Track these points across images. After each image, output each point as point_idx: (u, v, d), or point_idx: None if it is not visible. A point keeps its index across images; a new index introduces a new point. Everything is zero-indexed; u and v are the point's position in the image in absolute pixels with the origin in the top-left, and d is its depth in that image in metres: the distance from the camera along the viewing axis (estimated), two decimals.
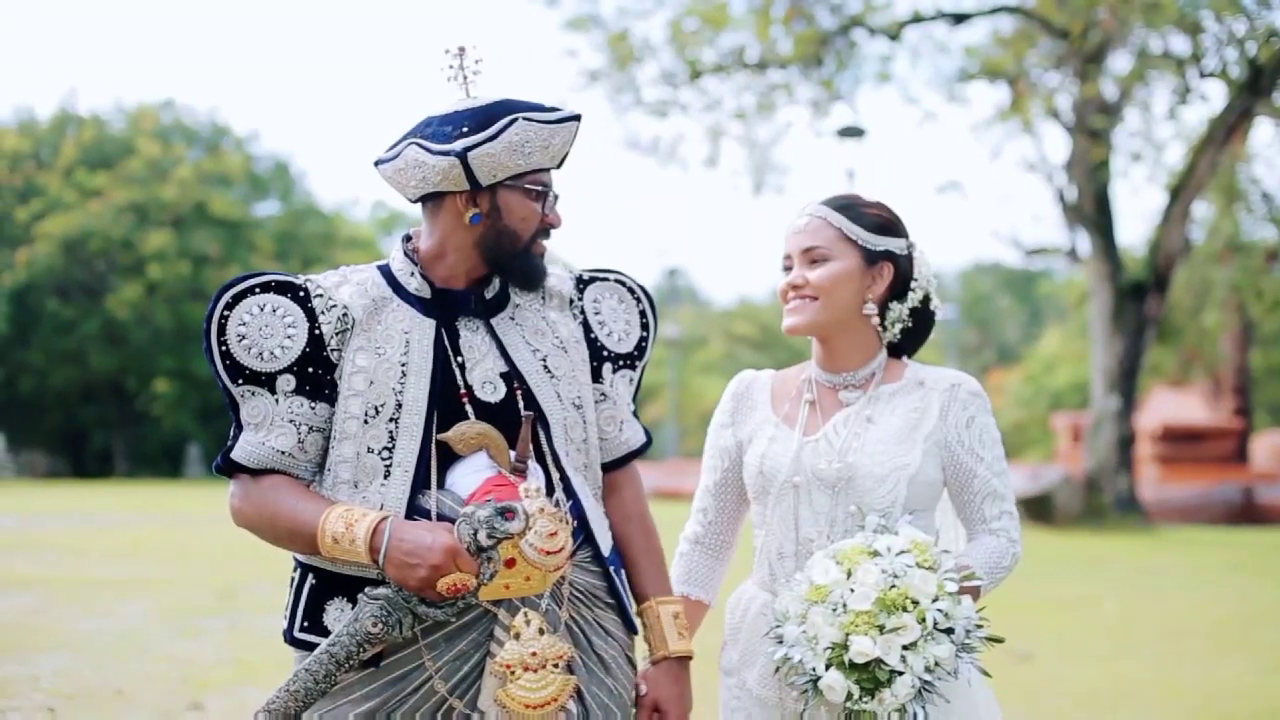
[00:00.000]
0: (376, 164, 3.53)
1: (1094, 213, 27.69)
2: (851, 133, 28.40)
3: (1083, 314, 34.77)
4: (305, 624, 3.39)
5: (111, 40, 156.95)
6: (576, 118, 3.44)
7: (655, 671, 3.59)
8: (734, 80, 27.72)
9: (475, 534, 3.13)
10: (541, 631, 3.31)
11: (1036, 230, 50.35)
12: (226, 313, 3.36)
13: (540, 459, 3.45)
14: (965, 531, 3.80)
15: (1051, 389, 54.64)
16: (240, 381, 3.37)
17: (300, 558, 3.46)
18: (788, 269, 3.74)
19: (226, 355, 3.36)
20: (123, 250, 50.91)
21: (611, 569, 3.58)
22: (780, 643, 3.42)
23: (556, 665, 3.31)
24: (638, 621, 3.64)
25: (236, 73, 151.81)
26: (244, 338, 3.35)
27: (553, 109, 3.41)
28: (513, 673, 3.25)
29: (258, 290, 3.39)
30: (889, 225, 3.72)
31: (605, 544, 3.58)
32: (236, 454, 3.39)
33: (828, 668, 3.28)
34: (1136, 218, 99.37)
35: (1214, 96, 26.87)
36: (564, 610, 3.43)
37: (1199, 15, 23.54)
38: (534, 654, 3.27)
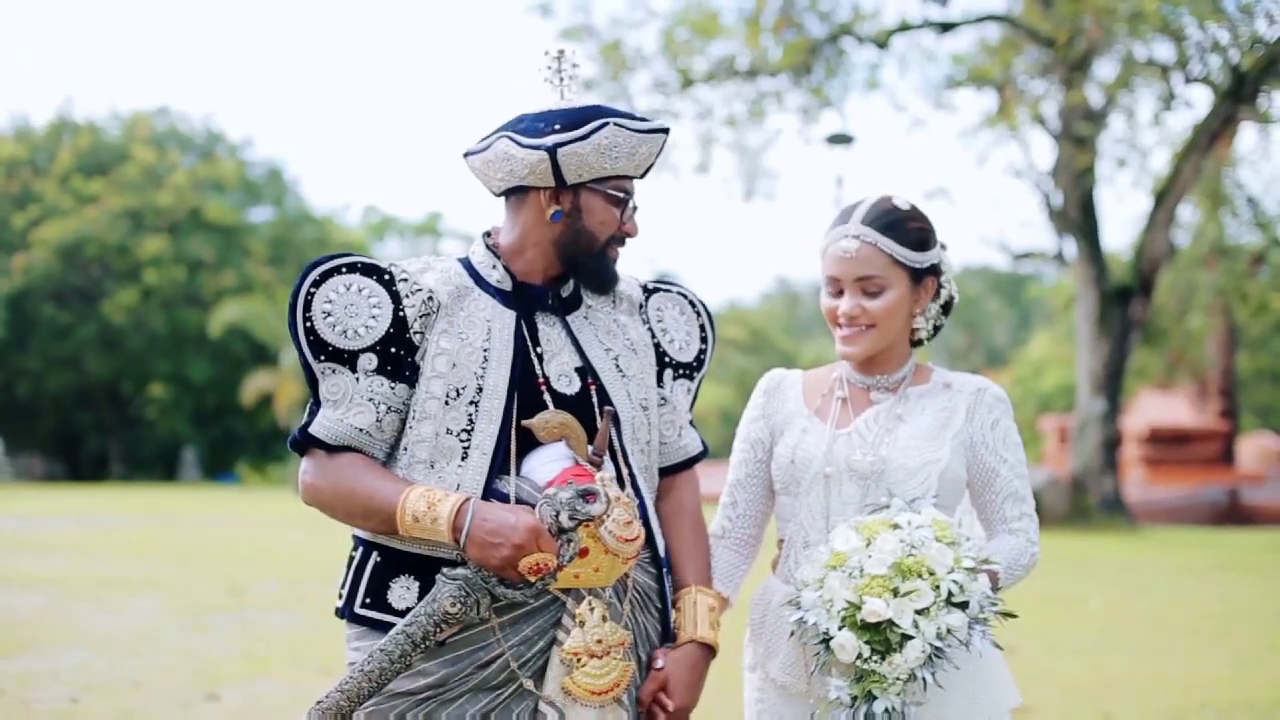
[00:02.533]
0: (465, 155, 3.54)
1: (1079, 218, 27.90)
2: (840, 139, 28.53)
3: (1070, 317, 34.98)
4: (368, 600, 3.40)
5: (107, 48, 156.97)
6: (665, 130, 3.48)
7: (676, 652, 3.56)
8: (725, 88, 28.00)
9: (557, 515, 3.16)
10: (605, 619, 3.35)
11: (1024, 234, 50.36)
12: (313, 290, 3.38)
13: (611, 455, 3.49)
14: (985, 531, 3.82)
15: (1040, 392, 54.49)
16: (322, 358, 3.38)
17: (364, 535, 3.47)
18: (835, 293, 3.71)
19: (310, 331, 3.38)
20: (118, 256, 50.85)
21: (664, 570, 3.62)
22: (798, 608, 3.46)
23: (619, 652, 3.36)
24: (671, 611, 3.64)
25: (230, 80, 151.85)
26: (329, 315, 3.37)
27: (643, 119, 3.44)
28: (579, 660, 3.29)
29: (344, 270, 3.41)
30: (929, 237, 3.72)
31: (660, 545, 3.62)
32: (315, 429, 3.39)
33: (840, 628, 3.33)
34: (1123, 222, 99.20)
35: (1198, 102, 26.94)
36: (625, 604, 3.46)
37: (1182, 23, 23.74)
38: (598, 640, 3.32)
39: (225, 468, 55.06)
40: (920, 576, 3.31)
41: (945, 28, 27.45)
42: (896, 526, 3.43)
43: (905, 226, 3.67)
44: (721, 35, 27.21)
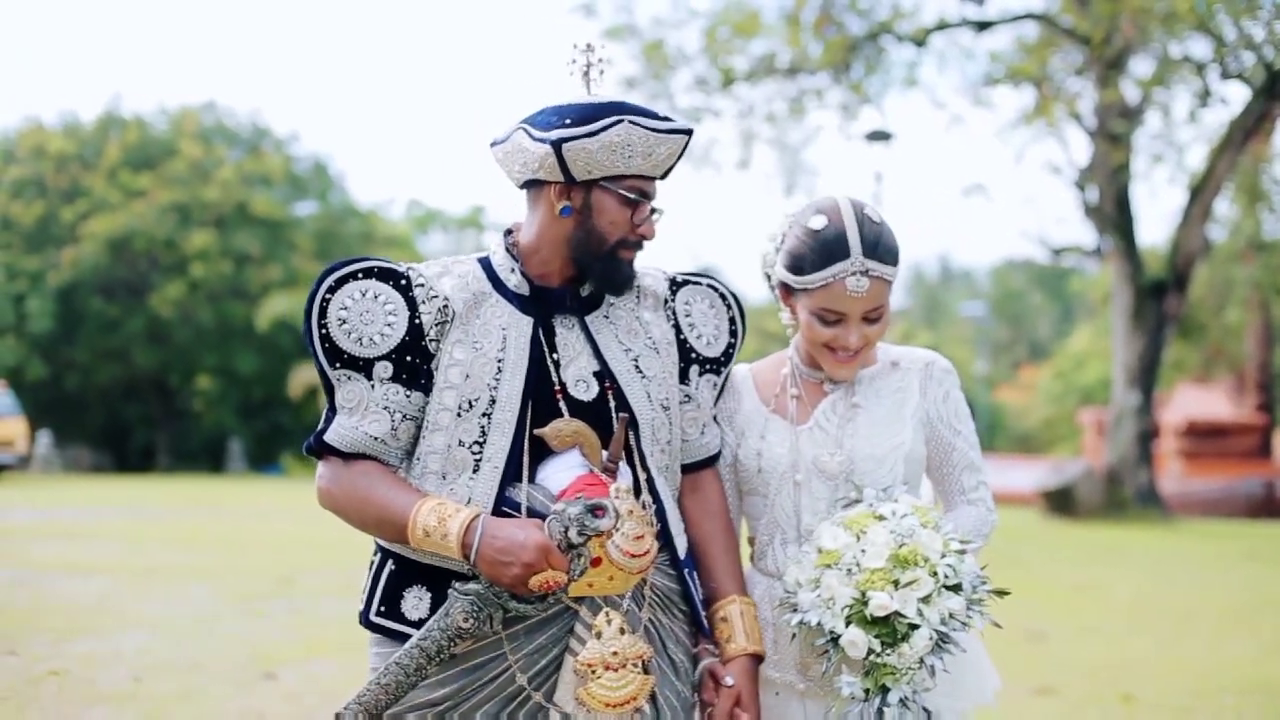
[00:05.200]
0: (491, 144, 3.50)
1: (1114, 214, 27.89)
2: (879, 136, 28.53)
3: (1110, 311, 35.09)
4: (382, 609, 3.42)
5: (154, 44, 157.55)
6: (687, 132, 3.40)
7: (737, 665, 3.54)
8: (766, 86, 28.05)
9: (566, 531, 3.14)
10: (622, 631, 3.32)
11: (1063, 229, 50.11)
12: (329, 296, 3.36)
13: (629, 459, 3.45)
14: (943, 502, 3.86)
15: (1081, 385, 54.30)
16: (338, 365, 3.37)
17: (381, 543, 3.50)
18: (832, 322, 3.66)
19: (326, 338, 3.36)
20: (166, 250, 50.70)
21: (686, 572, 3.58)
22: (795, 610, 3.49)
23: (636, 665, 3.32)
24: (708, 617, 3.63)
25: (276, 75, 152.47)
26: (345, 322, 3.35)
27: (665, 118, 3.38)
28: (594, 672, 3.26)
29: (360, 275, 3.38)
30: (898, 242, 3.68)
31: (681, 547, 3.58)
32: (330, 436, 3.39)
33: (847, 625, 3.37)
34: (1160, 218, 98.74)
35: (1234, 99, 26.94)
36: (644, 612, 3.44)
37: (1216, 22, 23.81)
38: (615, 653, 3.28)
39: (270, 460, 54.96)
40: (917, 565, 3.39)
41: (982, 26, 27.55)
42: (881, 518, 3.50)
43: (892, 243, 3.66)
44: (762, 34, 27.30)
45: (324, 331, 3.37)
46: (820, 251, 3.62)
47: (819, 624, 3.42)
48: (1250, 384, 39.73)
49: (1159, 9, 23.06)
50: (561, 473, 3.36)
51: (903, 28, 27.33)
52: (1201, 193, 26.95)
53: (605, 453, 3.38)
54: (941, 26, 27.68)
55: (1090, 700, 9.30)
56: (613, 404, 3.44)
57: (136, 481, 40.05)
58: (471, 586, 3.23)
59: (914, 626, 3.35)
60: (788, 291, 3.77)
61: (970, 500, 3.80)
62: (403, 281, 3.41)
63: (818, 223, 3.64)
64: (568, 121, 3.29)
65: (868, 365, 3.81)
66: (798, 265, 3.67)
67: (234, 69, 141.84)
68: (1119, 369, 28.46)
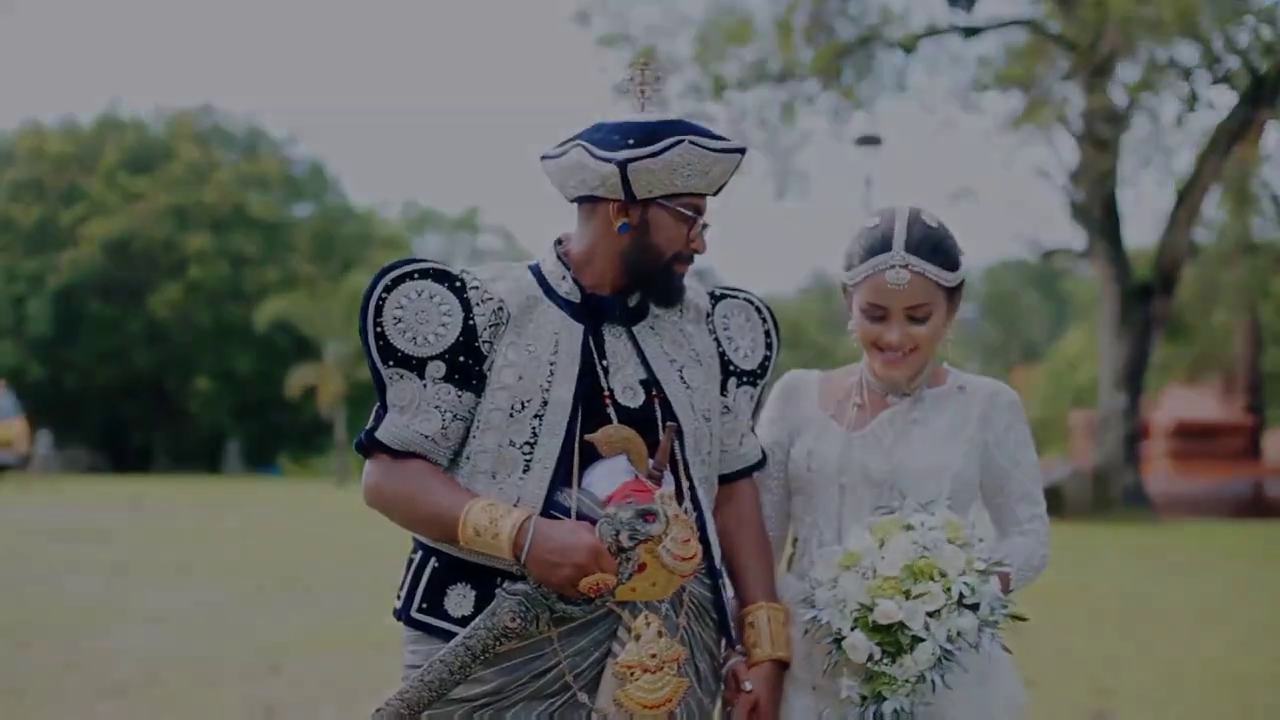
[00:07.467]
0: (542, 158, 3.51)
1: (1101, 217, 28.06)
2: (869, 141, 28.68)
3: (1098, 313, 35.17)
4: (424, 605, 3.41)
5: (152, 47, 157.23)
6: (741, 150, 3.42)
7: (759, 671, 3.58)
8: (757, 92, 28.26)
9: (617, 535, 3.15)
10: (660, 634, 3.33)
11: (1053, 231, 50.20)
12: (384, 295, 3.36)
13: (672, 468, 3.47)
14: (997, 532, 3.79)
15: (1074, 386, 54.02)
16: (391, 363, 3.37)
17: (425, 540, 3.48)
18: (877, 319, 3.66)
19: (380, 336, 3.36)
20: (164, 251, 51.01)
21: (719, 581, 3.60)
22: (812, 606, 3.47)
23: (673, 667, 3.35)
24: (736, 621, 3.66)
25: (272, 78, 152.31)
26: (399, 320, 3.35)
27: (720, 138, 3.39)
28: (633, 674, 3.28)
29: (416, 276, 3.39)
30: (959, 252, 3.68)
31: (716, 557, 3.59)
32: (381, 434, 3.37)
33: (853, 629, 3.35)
34: (1149, 220, 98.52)
35: (1221, 103, 27.09)
36: (681, 619, 3.45)
37: (1205, 28, 24.00)
38: (653, 655, 3.30)
39: (267, 460, 54.90)
40: (932, 579, 3.34)
41: (971, 32, 27.87)
42: (910, 527, 3.44)
43: (944, 247, 3.64)
44: (754, 40, 27.58)
45: (379, 330, 3.37)
46: (866, 246, 3.64)
47: (827, 622, 3.42)
48: (1238, 385, 39.77)
49: (1145, 15, 23.30)
50: (608, 478, 3.39)
51: (892, 34, 27.67)
52: (1188, 196, 27.20)
53: (651, 460, 3.41)
54: (931, 32, 28.00)
55: (1066, 693, 9.54)
56: (659, 412, 3.48)
57: (137, 481, 40.14)
58: (520, 587, 3.24)
59: (918, 639, 3.33)
60: (844, 290, 3.79)
61: (1023, 531, 3.74)
62: (457, 284, 3.42)
63: (871, 222, 3.70)
64: (631, 142, 3.31)
65: (935, 385, 3.81)
66: (848, 261, 3.71)
67: (231, 72, 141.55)
68: (1106, 371, 28.70)
